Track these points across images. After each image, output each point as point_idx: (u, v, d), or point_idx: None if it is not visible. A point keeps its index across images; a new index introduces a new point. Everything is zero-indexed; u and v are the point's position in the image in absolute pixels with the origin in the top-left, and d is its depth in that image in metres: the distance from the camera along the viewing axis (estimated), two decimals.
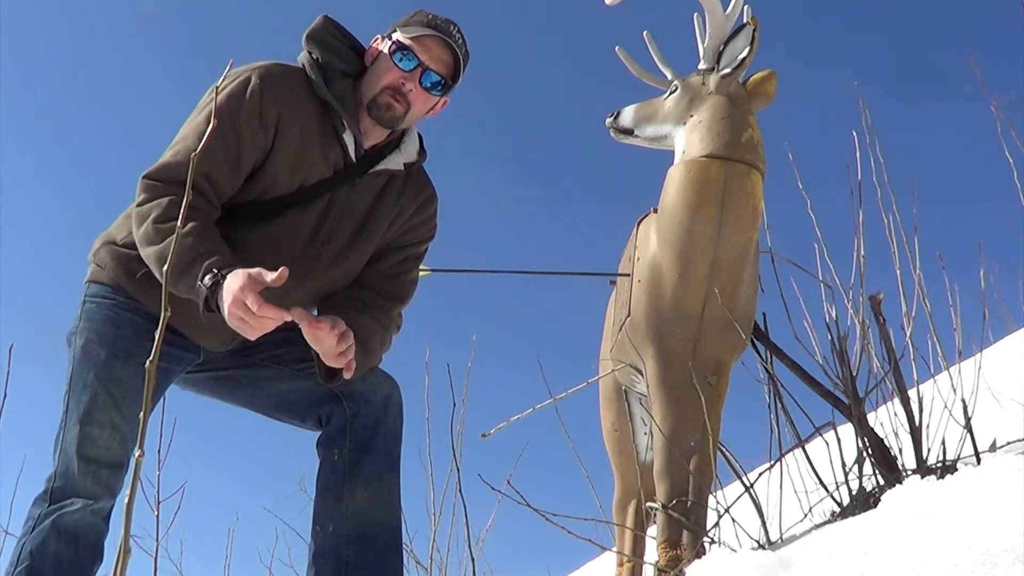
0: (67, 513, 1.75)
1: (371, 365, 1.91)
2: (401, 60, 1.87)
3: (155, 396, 1.95)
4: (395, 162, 1.97)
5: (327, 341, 1.68)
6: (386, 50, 1.90)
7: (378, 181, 1.95)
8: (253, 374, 1.99)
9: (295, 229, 1.87)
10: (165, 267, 1.60)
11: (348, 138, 1.90)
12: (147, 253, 1.73)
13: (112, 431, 1.80)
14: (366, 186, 1.94)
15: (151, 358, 0.83)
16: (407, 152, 1.99)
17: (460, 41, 1.91)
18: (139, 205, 1.75)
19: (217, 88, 1.80)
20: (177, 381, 1.99)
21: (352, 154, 1.91)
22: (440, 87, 1.90)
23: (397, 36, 1.90)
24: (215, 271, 1.63)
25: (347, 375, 1.75)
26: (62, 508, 1.76)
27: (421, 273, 2.34)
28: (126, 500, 0.77)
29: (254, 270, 1.60)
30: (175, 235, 1.44)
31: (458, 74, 1.92)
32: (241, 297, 1.58)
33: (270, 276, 1.58)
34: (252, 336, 1.63)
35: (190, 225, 1.69)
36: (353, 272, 1.95)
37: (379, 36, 1.95)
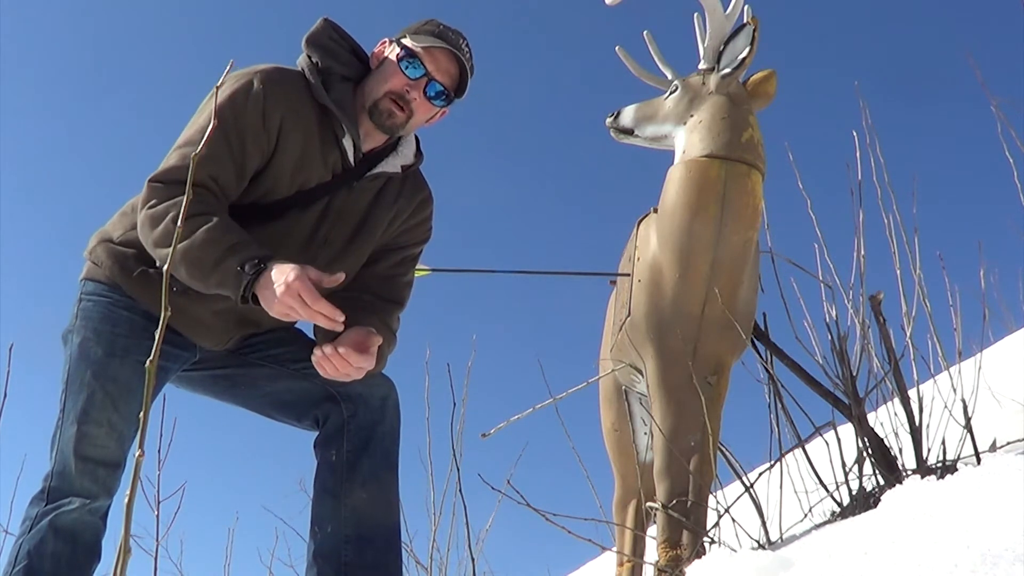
0: (64, 512, 1.75)
1: (378, 370, 1.91)
2: (408, 67, 1.87)
3: (152, 395, 1.95)
4: (392, 165, 1.97)
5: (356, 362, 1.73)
6: (393, 56, 1.90)
7: (375, 184, 1.95)
8: (250, 373, 1.99)
9: (293, 232, 1.87)
10: (187, 263, 1.63)
11: (347, 143, 1.90)
12: (166, 253, 1.69)
13: (109, 430, 1.79)
14: (363, 189, 1.94)
15: (151, 358, 0.83)
16: (404, 155, 1.99)
17: (468, 55, 1.91)
18: (150, 207, 1.71)
19: (218, 89, 1.79)
20: (173, 379, 1.98)
21: (351, 158, 1.91)
22: (443, 98, 1.91)
23: (406, 42, 1.89)
24: (255, 260, 1.63)
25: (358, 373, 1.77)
26: (59, 507, 1.75)
27: (420, 273, 2.35)
28: (126, 500, 0.77)
29: (308, 266, 1.62)
30: (203, 228, 1.54)
31: (462, 88, 1.92)
32: (297, 288, 1.58)
33: (328, 278, 1.62)
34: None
35: (214, 219, 1.67)
36: (350, 274, 1.95)
37: (387, 40, 1.94)
